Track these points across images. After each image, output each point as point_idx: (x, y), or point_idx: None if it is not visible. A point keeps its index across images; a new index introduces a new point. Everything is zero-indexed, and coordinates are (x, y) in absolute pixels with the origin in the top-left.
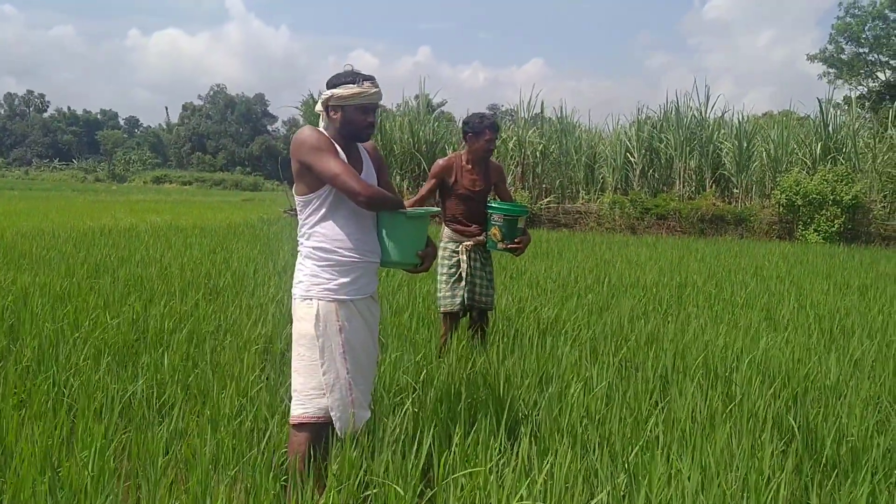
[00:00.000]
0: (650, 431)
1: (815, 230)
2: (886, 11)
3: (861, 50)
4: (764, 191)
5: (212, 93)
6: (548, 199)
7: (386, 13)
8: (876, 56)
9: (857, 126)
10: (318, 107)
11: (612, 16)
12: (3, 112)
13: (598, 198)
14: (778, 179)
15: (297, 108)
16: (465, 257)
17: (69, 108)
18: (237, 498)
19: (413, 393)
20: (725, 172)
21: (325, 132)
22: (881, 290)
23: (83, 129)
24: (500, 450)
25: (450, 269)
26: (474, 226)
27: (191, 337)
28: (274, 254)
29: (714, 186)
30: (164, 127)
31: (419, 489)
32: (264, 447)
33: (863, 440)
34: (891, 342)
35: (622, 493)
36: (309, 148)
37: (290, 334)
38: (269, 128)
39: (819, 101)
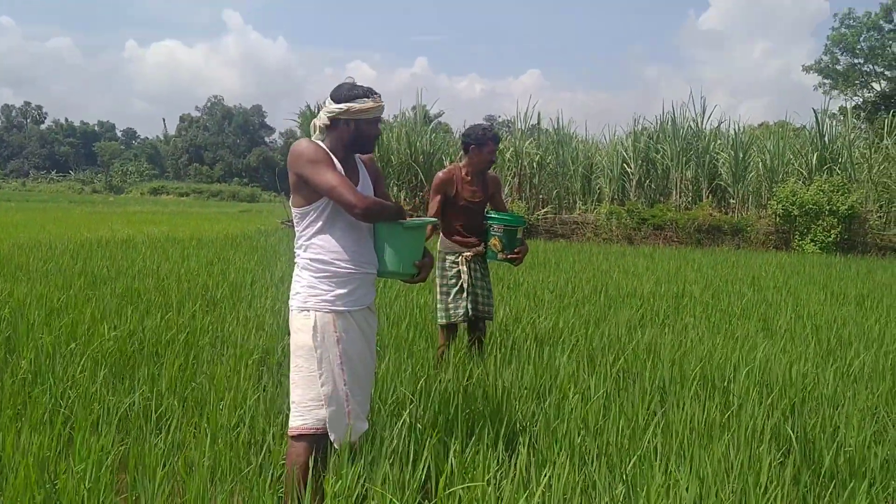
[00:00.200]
0: (648, 442)
1: (812, 240)
2: (881, 22)
3: (856, 60)
4: (760, 201)
5: (209, 104)
6: (545, 210)
7: (382, 25)
8: (871, 66)
9: (852, 136)
10: (324, 119)
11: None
12: (0, 124)
13: (594, 208)
14: (774, 190)
15: (294, 120)
16: (465, 268)
17: (66, 119)
18: None
19: (411, 404)
20: (722, 183)
21: (321, 144)
22: (878, 300)
23: (80, 141)
24: (498, 462)
25: (450, 280)
26: (473, 237)
27: (188, 348)
28: (271, 265)
29: (710, 197)
30: (162, 138)
31: (417, 501)
32: (262, 460)
33: (860, 450)
34: (888, 352)
35: None
36: (306, 160)
37: (288, 345)
38: (266, 139)
39: (815, 112)
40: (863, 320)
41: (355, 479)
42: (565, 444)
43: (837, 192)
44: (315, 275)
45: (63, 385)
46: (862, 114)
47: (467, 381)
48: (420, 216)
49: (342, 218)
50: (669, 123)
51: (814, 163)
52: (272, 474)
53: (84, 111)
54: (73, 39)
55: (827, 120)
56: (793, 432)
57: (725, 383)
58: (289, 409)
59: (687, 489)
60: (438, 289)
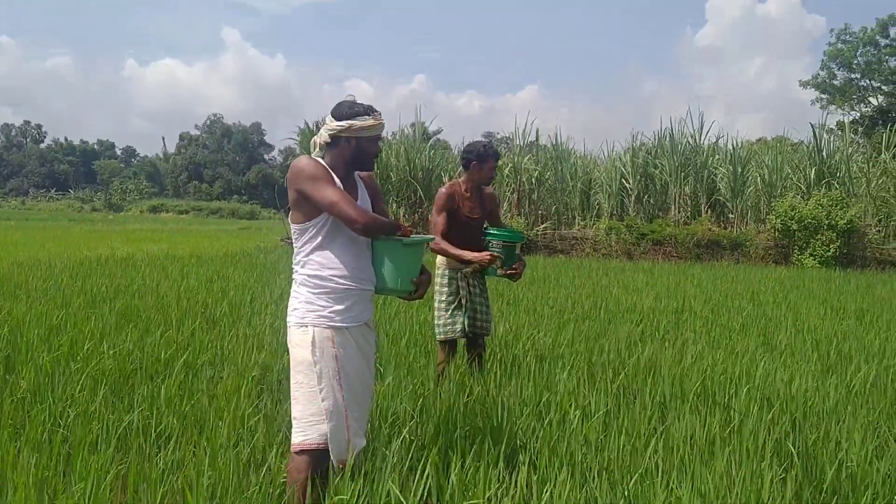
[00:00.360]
0: (649, 459)
1: (811, 255)
2: (877, 37)
3: (853, 76)
4: (759, 216)
5: (209, 122)
6: (544, 226)
7: (381, 42)
8: (868, 81)
9: (850, 151)
10: (325, 136)
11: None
12: (0, 143)
13: (594, 224)
14: (773, 204)
15: (293, 137)
16: (464, 284)
17: (66, 138)
18: None
19: (411, 421)
20: (720, 198)
21: (321, 161)
22: (878, 314)
23: (80, 159)
24: (499, 479)
25: (448, 296)
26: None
27: (187, 367)
28: (270, 282)
29: (709, 212)
30: (161, 156)
31: None
32: (262, 478)
33: (862, 466)
34: (888, 366)
35: None
36: (307, 177)
37: (287, 363)
38: (265, 156)
39: (812, 127)
40: (863, 335)
41: (355, 495)
42: (566, 461)
43: (836, 206)
44: (313, 291)
45: (62, 404)
46: (859, 128)
47: (467, 397)
48: (420, 233)
49: (341, 234)
50: (667, 139)
51: (812, 177)
52: (273, 493)
53: (84, 130)
54: (73, 58)
55: (824, 135)
56: (794, 448)
57: (726, 399)
58: (289, 427)
59: None
60: (437, 304)
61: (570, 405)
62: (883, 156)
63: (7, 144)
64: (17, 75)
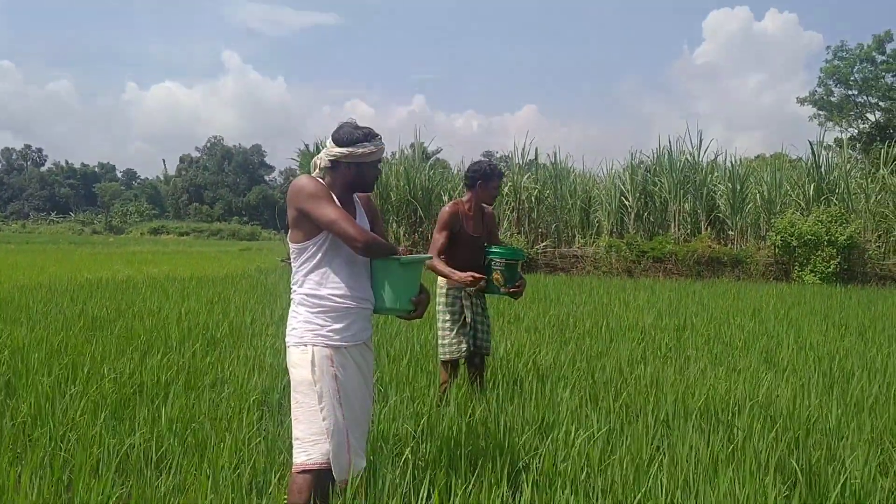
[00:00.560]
0: (652, 478)
1: (812, 271)
2: (874, 54)
3: (850, 92)
4: (759, 232)
5: (209, 144)
6: (544, 244)
7: (380, 63)
8: (865, 98)
9: (848, 167)
10: (325, 160)
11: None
12: (1, 166)
13: (593, 241)
14: (773, 221)
15: (294, 158)
16: (468, 303)
17: (67, 161)
18: None
19: (413, 441)
20: (720, 215)
21: (321, 181)
22: (879, 330)
23: (80, 182)
24: (502, 499)
25: (452, 315)
26: (474, 272)
27: (188, 389)
28: (271, 303)
29: (709, 229)
30: (162, 178)
31: None
32: (264, 502)
33: (866, 482)
34: (891, 383)
35: None
36: (307, 195)
37: (288, 384)
38: (266, 178)
39: (810, 144)
40: (865, 351)
41: None
42: (569, 481)
43: (835, 222)
44: (311, 310)
45: (63, 428)
46: (857, 144)
47: (469, 417)
48: (420, 252)
49: (340, 253)
50: (666, 156)
51: (811, 194)
52: None
53: (84, 153)
54: (74, 82)
55: (823, 151)
56: (798, 465)
57: (729, 416)
58: (289, 449)
59: None
60: (441, 324)
61: (573, 424)
62: (881, 171)
63: (8, 168)
64: (18, 99)
